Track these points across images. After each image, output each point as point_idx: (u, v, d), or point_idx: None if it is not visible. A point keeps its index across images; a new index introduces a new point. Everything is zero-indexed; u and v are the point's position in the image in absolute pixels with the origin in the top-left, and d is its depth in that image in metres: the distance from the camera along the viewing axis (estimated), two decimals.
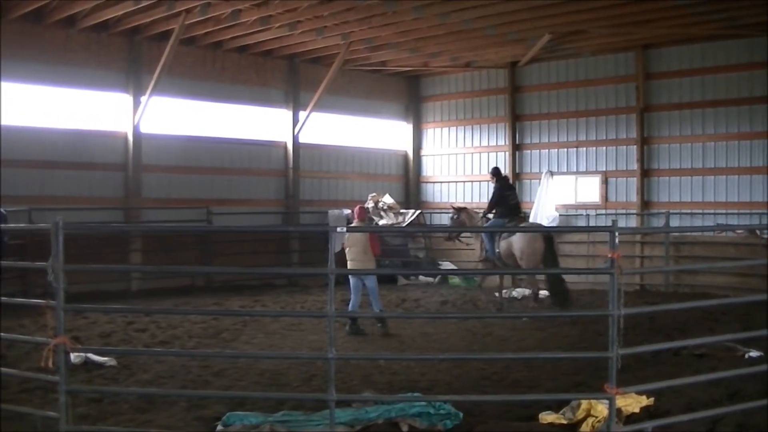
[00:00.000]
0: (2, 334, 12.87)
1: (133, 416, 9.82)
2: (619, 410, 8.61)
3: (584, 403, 9.40)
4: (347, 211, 27.23)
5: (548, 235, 19.73)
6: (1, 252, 17.49)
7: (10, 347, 13.87)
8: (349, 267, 17.20)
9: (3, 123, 21.35)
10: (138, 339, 15.74)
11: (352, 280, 17.10)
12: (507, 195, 20.63)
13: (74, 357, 12.32)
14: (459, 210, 21.27)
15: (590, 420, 9.21)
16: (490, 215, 20.60)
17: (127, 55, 23.63)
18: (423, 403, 9.38)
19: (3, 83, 21.41)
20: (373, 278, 17.14)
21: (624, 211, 25.40)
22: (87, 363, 12.73)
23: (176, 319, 17.56)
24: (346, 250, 16.97)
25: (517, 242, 19.66)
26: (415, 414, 9.34)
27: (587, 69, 26.74)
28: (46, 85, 22.44)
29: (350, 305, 17.10)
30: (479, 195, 29.23)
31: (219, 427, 9.18)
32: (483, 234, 20.33)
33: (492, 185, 20.73)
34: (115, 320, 17.38)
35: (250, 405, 10.05)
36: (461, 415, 9.45)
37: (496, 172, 20.86)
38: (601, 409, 9.08)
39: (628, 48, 25.37)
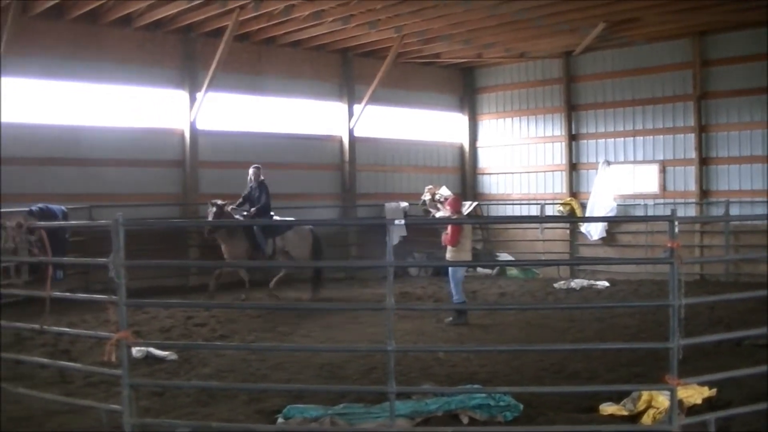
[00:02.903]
0: (66, 329, 13.10)
1: (194, 409, 9.93)
2: (680, 401, 8.53)
3: (645, 395, 9.34)
4: (404, 204, 27.24)
5: (316, 234, 20.69)
6: (63, 249, 17.73)
7: (74, 342, 14.07)
8: (465, 259, 17.33)
9: (63, 122, 21.81)
10: (198, 333, 15.86)
11: (459, 272, 17.17)
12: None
13: (136, 351, 12.47)
14: (221, 206, 20.21)
15: (651, 411, 9.15)
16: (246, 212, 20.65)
17: (182, 52, 23.83)
18: (483, 395, 9.38)
19: (64, 83, 21.91)
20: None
21: (682, 200, 25.15)
22: (148, 357, 12.86)
23: (235, 314, 17.69)
24: (463, 240, 16.99)
25: (290, 238, 20.32)
26: (475, 406, 9.34)
27: (643, 57, 26.47)
28: (104, 84, 22.69)
29: (458, 298, 17.19)
30: (536, 186, 29.14)
31: (279, 420, 9.24)
32: (256, 230, 20.18)
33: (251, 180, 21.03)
34: (175, 315, 17.53)
35: (309, 398, 10.11)
36: (521, 406, 9.44)
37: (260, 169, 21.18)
38: (662, 400, 9.02)
39: (684, 34, 25.04)
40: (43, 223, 11.82)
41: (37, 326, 10.18)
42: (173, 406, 10.06)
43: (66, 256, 17.43)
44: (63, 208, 19.89)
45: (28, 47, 20.94)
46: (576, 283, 22.90)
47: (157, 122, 23.71)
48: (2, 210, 18.24)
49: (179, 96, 23.97)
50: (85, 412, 9.54)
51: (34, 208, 19.05)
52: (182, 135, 23.94)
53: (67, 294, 12.14)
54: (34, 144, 21.24)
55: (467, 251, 17.12)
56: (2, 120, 20.69)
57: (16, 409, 9.88)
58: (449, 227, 17.02)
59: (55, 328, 11.50)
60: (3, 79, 20.44)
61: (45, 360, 11.42)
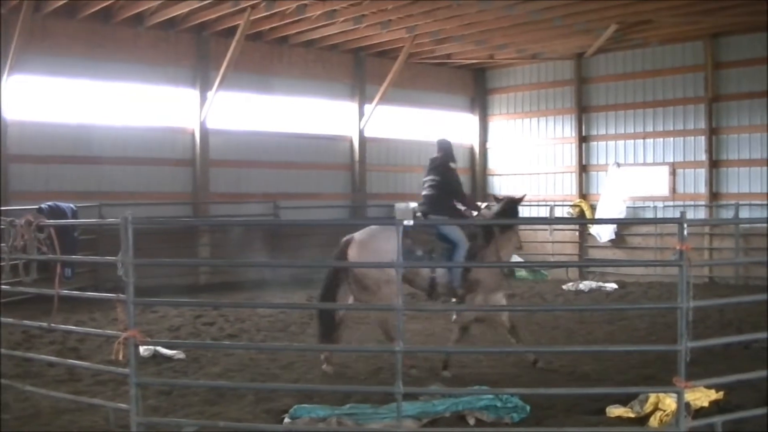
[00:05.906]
0: (74, 327, 13.12)
1: (202, 408, 9.93)
2: (687, 404, 8.51)
3: (652, 397, 9.32)
4: (414, 204, 27.18)
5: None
6: (72, 247, 17.75)
7: (83, 340, 14.12)
8: None
9: (74, 121, 21.92)
10: (206, 332, 15.89)
11: None
12: None
13: (144, 350, 12.48)
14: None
15: (658, 414, 9.13)
16: None
17: (195, 51, 23.87)
18: (490, 396, 9.37)
19: (75, 81, 22.11)
20: None
21: (692, 203, 25.09)
22: (156, 356, 12.88)
23: (244, 313, 17.69)
24: None
25: None
26: (482, 407, 9.33)
27: (655, 59, 26.43)
28: (115, 82, 22.76)
29: None
30: (546, 187, 29.10)
31: (287, 420, 9.24)
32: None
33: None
34: (184, 314, 17.56)
35: (317, 398, 10.11)
36: (528, 408, 9.43)
37: None
38: (670, 402, 9.00)
39: (696, 37, 24.99)
40: (52, 221, 11.82)
41: (45, 324, 10.20)
42: (181, 405, 10.06)
43: (75, 254, 17.47)
44: (73, 206, 19.93)
45: (40, 45, 21.05)
46: (585, 285, 22.90)
47: (168, 121, 23.77)
48: (12, 208, 18.31)
49: (190, 95, 24.01)
50: (93, 411, 9.56)
51: (43, 206, 19.08)
52: (193, 134, 23.98)
53: (76, 292, 12.15)
54: (44, 142, 21.36)
55: None
56: (12, 118, 20.78)
57: (24, 407, 9.91)
58: None
59: (64, 327, 11.55)
60: (15, 76, 20.52)
61: (53, 358, 11.44)
